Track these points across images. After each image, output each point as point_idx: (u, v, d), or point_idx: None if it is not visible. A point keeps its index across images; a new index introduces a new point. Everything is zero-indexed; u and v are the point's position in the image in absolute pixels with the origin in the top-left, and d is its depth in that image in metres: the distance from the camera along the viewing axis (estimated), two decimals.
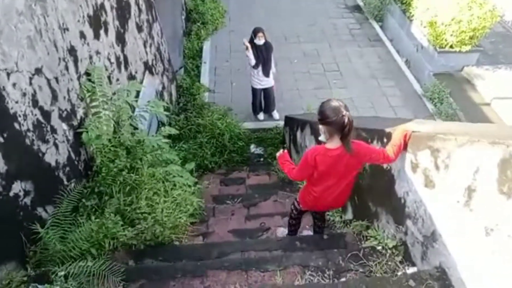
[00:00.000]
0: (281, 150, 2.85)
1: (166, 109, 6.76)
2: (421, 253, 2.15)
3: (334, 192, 2.61)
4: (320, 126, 2.33)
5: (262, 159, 6.77)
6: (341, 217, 3.38)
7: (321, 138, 2.42)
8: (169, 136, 6.82)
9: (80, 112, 3.48)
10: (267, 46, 6.37)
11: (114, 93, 3.79)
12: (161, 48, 6.90)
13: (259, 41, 6.24)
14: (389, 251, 2.32)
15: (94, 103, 3.53)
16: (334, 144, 2.33)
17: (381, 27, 10.32)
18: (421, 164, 2.06)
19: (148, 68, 5.96)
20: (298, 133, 5.40)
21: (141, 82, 5.54)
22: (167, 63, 7.28)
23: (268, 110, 7.27)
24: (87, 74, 3.66)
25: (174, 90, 7.52)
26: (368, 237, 2.54)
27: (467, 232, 1.73)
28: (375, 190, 2.69)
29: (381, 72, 8.66)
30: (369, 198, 2.80)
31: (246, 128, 6.98)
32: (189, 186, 3.86)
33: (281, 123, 7.04)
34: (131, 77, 5.13)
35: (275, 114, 7.32)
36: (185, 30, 9.86)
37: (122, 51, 4.85)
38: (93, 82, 3.58)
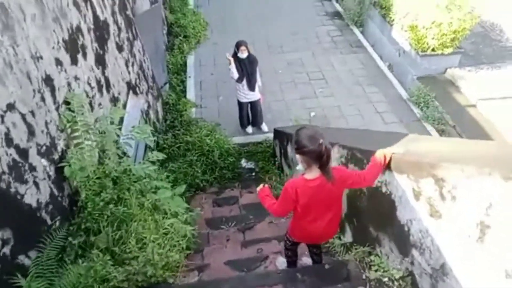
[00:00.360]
0: (261, 185, 2.73)
1: (154, 129, 6.64)
2: (431, 285, 2.06)
3: (322, 223, 2.52)
4: (297, 156, 2.25)
5: (253, 174, 6.65)
6: (340, 238, 3.28)
7: (299, 167, 2.34)
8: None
9: (60, 145, 3.31)
10: (251, 60, 6.29)
11: (96, 120, 3.63)
12: (144, 66, 6.76)
13: (242, 54, 6.15)
14: (396, 283, 2.22)
15: (75, 134, 3.38)
16: (313, 174, 2.26)
17: (362, 32, 10.36)
18: (425, 193, 1.98)
19: (132, 88, 5.81)
20: (289, 147, 5.31)
21: (125, 103, 5.39)
22: (151, 80, 7.14)
23: (256, 123, 7.18)
24: (66, 102, 3.51)
25: (160, 108, 7.38)
26: (372, 265, 2.44)
27: (483, 270, 1.64)
28: (375, 214, 2.61)
29: (365, 78, 8.66)
30: (369, 222, 2.71)
31: (236, 143, 6.87)
32: (181, 213, 3.71)
33: (271, 135, 6.94)
34: (114, 99, 4.98)
35: (264, 127, 7.23)
36: (167, 44, 9.73)
37: (103, 73, 4.70)
38: (73, 111, 3.42)
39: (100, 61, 4.66)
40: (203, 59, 9.24)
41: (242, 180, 6.41)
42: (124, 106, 5.34)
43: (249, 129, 7.25)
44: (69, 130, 3.41)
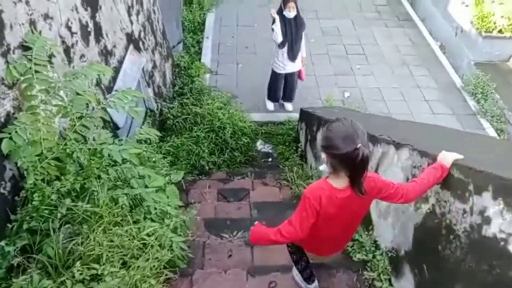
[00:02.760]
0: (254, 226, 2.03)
1: (158, 94, 5.60)
2: None
3: (340, 238, 2.11)
4: (323, 155, 1.71)
5: (270, 160, 5.61)
6: (390, 282, 2.26)
7: (322, 167, 1.86)
8: (162, 127, 5.77)
9: (5, 106, 2.31)
10: (299, 22, 5.11)
11: (65, 77, 2.59)
12: (152, 18, 5.65)
13: (290, 13, 4.98)
14: None
15: (29, 92, 2.36)
16: (341, 182, 1.74)
17: (411, 4, 8.95)
18: None
19: (133, 41, 4.74)
20: (319, 134, 4.21)
21: (122, 59, 4.34)
22: (161, 36, 6.04)
23: (289, 98, 6.03)
24: (25, 48, 2.48)
25: (169, 70, 6.31)
26: None
27: None
28: (476, 274, 1.55)
29: (412, 57, 7.38)
30: (457, 285, 1.66)
31: (252, 121, 5.80)
32: (171, 215, 2.71)
33: (295, 115, 5.84)
34: (106, 53, 3.93)
35: (288, 105, 6.11)
36: None
37: (92, 17, 3.64)
38: (31, 60, 2.39)
39: (90, 1, 3.59)
40: (224, 19, 8.04)
41: (256, 166, 5.39)
42: (120, 62, 4.30)
43: (270, 105, 6.15)
44: (22, 87, 2.41)
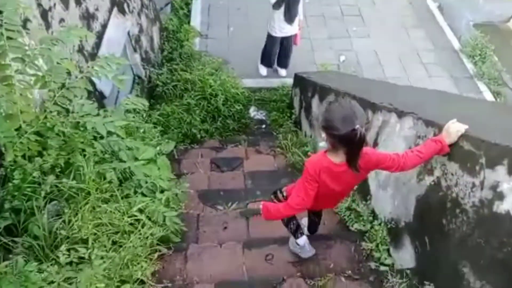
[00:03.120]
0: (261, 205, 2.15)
1: (145, 60, 5.35)
2: None
3: (336, 198, 2.25)
4: (323, 134, 1.80)
5: (264, 126, 5.48)
6: (388, 253, 2.21)
7: (322, 144, 2.12)
8: (151, 95, 5.56)
9: None
10: None
11: (42, 43, 2.38)
12: None
13: None
14: None
15: (1, 61, 2.16)
16: (339, 158, 1.85)
17: None
18: None
19: (118, 4, 4.45)
20: (315, 102, 4.07)
21: (105, 23, 4.08)
22: None
23: (282, 63, 5.80)
24: None
25: (156, 34, 6.01)
26: None
27: None
28: (480, 250, 1.48)
29: (410, 19, 7.11)
30: (466, 260, 1.59)
31: (245, 87, 5.61)
32: (163, 188, 2.61)
33: (289, 81, 5.66)
34: (88, 16, 3.68)
35: (282, 71, 5.90)
36: None
37: None
38: (1, 26, 2.18)
39: None
40: None
41: (249, 134, 5.27)
42: (104, 26, 4.04)
43: (263, 70, 5.94)
44: None
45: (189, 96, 5.12)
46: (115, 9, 4.33)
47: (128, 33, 4.71)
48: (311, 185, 1.89)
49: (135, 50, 4.94)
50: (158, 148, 3.31)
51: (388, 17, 7.08)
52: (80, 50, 3.51)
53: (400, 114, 2.11)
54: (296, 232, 2.38)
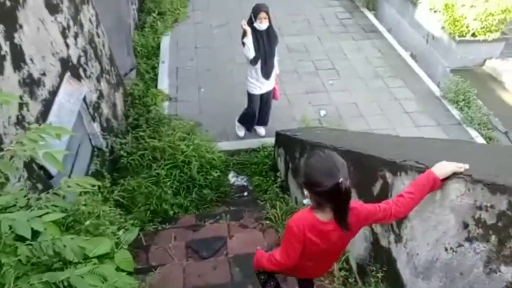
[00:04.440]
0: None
1: (106, 129, 4.73)
2: None
3: (326, 261, 2.03)
4: (305, 190, 1.66)
5: (246, 194, 4.84)
6: None
7: (306, 201, 1.75)
8: (114, 167, 4.88)
9: None
10: (272, 35, 4.49)
11: None
12: (96, 41, 4.85)
13: (261, 25, 4.32)
14: None
15: None
16: (326, 216, 1.67)
17: (374, 15, 8.66)
18: None
19: (71, 68, 3.91)
20: (303, 157, 3.49)
21: (55, 90, 3.50)
22: (108, 62, 5.24)
23: (262, 122, 5.32)
24: None
25: (120, 100, 5.47)
26: None
27: None
28: None
29: (385, 69, 6.95)
30: None
31: (222, 150, 5.04)
32: None
33: (269, 140, 5.14)
34: (32, 83, 3.09)
35: (260, 129, 5.41)
36: (137, 22, 7.81)
37: (10, 38, 2.83)
38: None
39: (5, 17, 2.78)
40: (181, 41, 7.35)
41: (231, 204, 4.60)
42: (53, 93, 3.45)
43: (242, 131, 5.42)
44: None
45: (158, 166, 4.48)
46: (67, 74, 3.78)
47: (84, 100, 4.13)
48: (295, 244, 1.74)
49: (93, 119, 4.33)
50: (117, 238, 2.61)
51: (362, 68, 6.90)
52: (19, 121, 2.87)
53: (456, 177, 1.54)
54: None
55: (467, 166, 1.49)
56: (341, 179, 1.49)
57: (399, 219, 1.75)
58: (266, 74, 4.63)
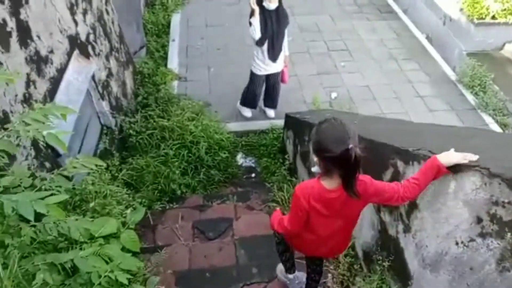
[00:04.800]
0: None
1: (115, 107, 4.71)
2: None
3: (332, 240, 1.99)
4: (314, 157, 1.66)
5: (254, 176, 4.82)
6: None
7: (314, 169, 1.77)
8: (123, 146, 4.88)
9: None
10: (281, 15, 4.35)
11: None
12: (105, 19, 4.78)
13: (270, 4, 4.19)
14: None
15: None
16: (334, 183, 1.68)
17: None
18: None
19: (80, 45, 3.87)
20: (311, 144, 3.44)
21: (63, 68, 3.47)
22: (118, 40, 5.18)
23: (270, 104, 5.25)
24: None
25: (129, 79, 5.43)
26: None
27: None
28: None
29: (400, 51, 6.77)
30: None
31: (230, 131, 5.00)
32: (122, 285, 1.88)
33: (279, 122, 5.08)
34: (39, 60, 3.06)
35: (270, 112, 5.34)
36: None
37: (15, 13, 2.78)
38: None
39: None
40: (192, 19, 7.22)
41: (238, 185, 4.59)
42: (61, 71, 3.42)
43: (248, 112, 5.36)
44: None
45: (167, 146, 4.47)
46: (76, 52, 3.74)
47: (93, 78, 4.10)
48: (298, 212, 1.78)
49: (102, 97, 4.31)
50: (124, 217, 2.62)
51: (376, 50, 6.72)
52: (26, 99, 2.86)
53: (456, 168, 1.48)
54: (289, 267, 2.40)
55: (475, 158, 1.44)
56: (351, 145, 1.49)
57: (404, 203, 1.75)
58: (273, 56, 4.53)
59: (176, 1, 7.55)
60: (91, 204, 2.41)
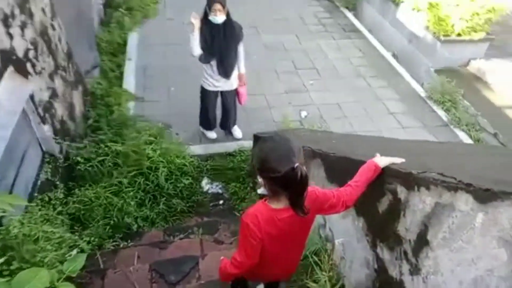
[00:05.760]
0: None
1: (59, 133, 4.14)
2: None
3: (287, 260, 1.90)
4: (259, 177, 1.57)
5: (222, 202, 4.36)
6: None
7: (260, 191, 1.93)
8: (69, 175, 4.29)
9: None
10: (230, 28, 4.00)
11: None
12: (50, 34, 4.26)
13: (216, 17, 3.84)
14: None
15: None
16: (281, 204, 1.60)
17: (354, 15, 8.37)
18: None
19: (14, 62, 3.32)
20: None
21: None
22: (65, 58, 4.64)
23: (225, 126, 4.88)
24: None
25: (78, 100, 4.87)
26: None
27: None
28: None
29: (367, 68, 6.64)
30: None
31: (194, 155, 4.54)
32: None
33: (246, 143, 4.69)
34: None
35: (236, 131, 4.94)
36: (102, 18, 7.22)
37: None
38: None
39: None
40: (151, 38, 6.80)
41: (204, 214, 4.11)
42: None
43: (212, 133, 4.94)
44: None
45: (120, 174, 3.94)
46: (10, 69, 3.20)
47: (32, 99, 3.56)
48: (252, 241, 1.62)
49: (43, 121, 3.75)
50: (61, 266, 2.08)
51: (343, 68, 6.56)
52: None
53: (484, 196, 1.12)
54: None
55: (399, 161, 1.63)
56: (296, 164, 1.41)
57: (348, 208, 1.70)
58: (225, 72, 4.19)
59: (134, 19, 7.13)
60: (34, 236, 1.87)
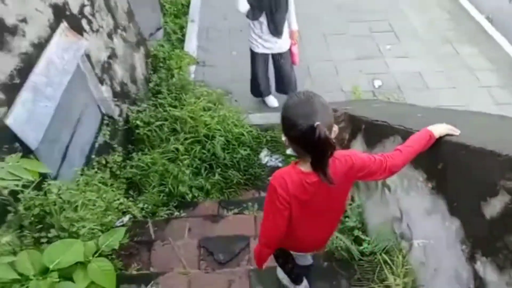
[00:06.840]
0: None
1: (119, 95, 4.05)
2: None
3: (321, 230, 1.78)
4: (283, 136, 1.48)
5: None
6: None
7: (289, 151, 1.81)
8: (129, 139, 4.23)
9: None
10: None
11: None
12: None
13: None
14: None
15: None
16: (309, 166, 1.45)
17: None
18: None
19: (69, 18, 3.19)
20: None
21: (43, 43, 2.80)
22: (125, 17, 4.51)
23: (282, 89, 4.43)
24: None
25: (139, 62, 4.75)
26: None
27: None
28: None
29: (455, 33, 5.77)
30: None
31: (253, 124, 4.24)
32: None
33: None
34: (2, 30, 2.40)
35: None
36: None
37: None
38: None
39: None
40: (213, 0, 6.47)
41: (261, 188, 3.84)
42: (39, 46, 2.75)
43: (274, 101, 4.57)
44: None
45: (177, 140, 3.77)
46: (63, 25, 3.06)
47: (89, 58, 3.44)
48: (279, 206, 1.48)
49: (101, 82, 3.65)
50: (98, 240, 1.91)
51: (426, 32, 5.76)
52: None
53: None
54: (294, 278, 2.15)
55: (457, 132, 1.54)
56: (317, 123, 1.28)
57: (393, 175, 1.56)
58: (276, 30, 3.75)
59: None
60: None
